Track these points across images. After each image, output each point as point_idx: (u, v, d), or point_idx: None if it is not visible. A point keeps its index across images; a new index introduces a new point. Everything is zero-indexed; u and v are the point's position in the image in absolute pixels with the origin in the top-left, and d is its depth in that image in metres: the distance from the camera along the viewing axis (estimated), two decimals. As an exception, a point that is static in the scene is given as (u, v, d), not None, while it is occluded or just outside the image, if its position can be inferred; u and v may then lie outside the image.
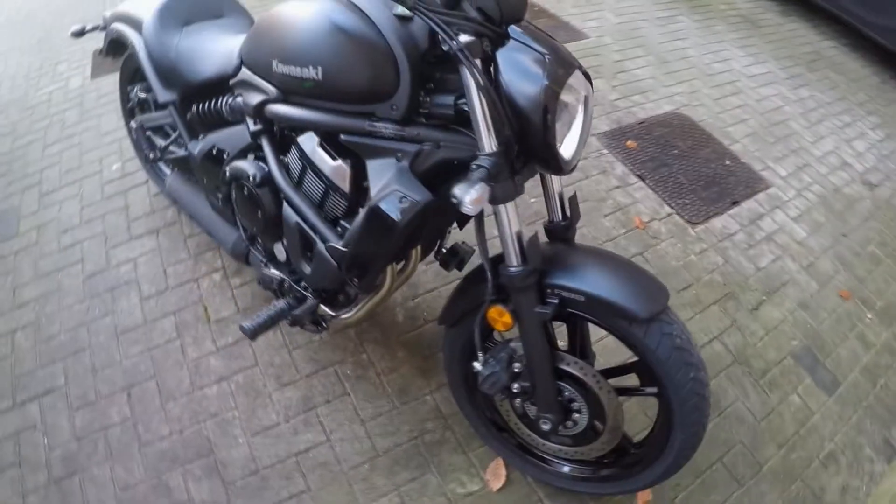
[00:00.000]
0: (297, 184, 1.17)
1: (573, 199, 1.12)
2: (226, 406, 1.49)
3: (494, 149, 0.87)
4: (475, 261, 1.53)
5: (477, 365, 1.09)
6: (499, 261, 1.02)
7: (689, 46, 3.01)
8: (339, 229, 1.12)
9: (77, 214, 2.02)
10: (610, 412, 1.12)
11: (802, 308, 1.88)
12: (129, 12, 1.60)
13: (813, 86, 2.89)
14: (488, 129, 0.86)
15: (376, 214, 0.99)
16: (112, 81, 2.49)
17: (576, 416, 1.15)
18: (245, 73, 1.21)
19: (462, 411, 1.38)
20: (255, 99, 1.16)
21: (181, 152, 1.57)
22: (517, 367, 1.09)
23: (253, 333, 1.22)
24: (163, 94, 1.49)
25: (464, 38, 0.82)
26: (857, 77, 3.08)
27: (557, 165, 0.92)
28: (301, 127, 1.10)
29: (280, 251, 1.32)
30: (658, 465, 1.14)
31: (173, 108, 1.51)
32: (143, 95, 1.77)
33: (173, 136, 1.59)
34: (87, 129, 2.36)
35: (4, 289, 1.83)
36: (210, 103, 1.39)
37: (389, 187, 0.97)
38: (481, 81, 0.83)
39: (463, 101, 0.90)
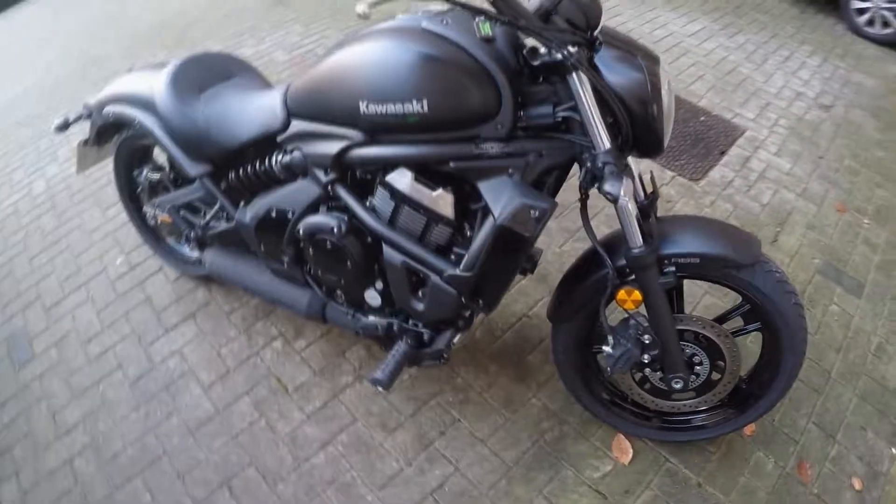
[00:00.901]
0: (391, 223, 1.16)
1: (652, 177, 1.20)
2: (340, 469, 1.44)
3: (609, 146, 0.93)
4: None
5: (607, 348, 1.14)
6: (611, 246, 1.08)
7: (627, 20, 3.21)
8: (453, 257, 1.13)
9: (95, 320, 1.88)
10: (728, 356, 1.21)
11: (811, 230, 2.06)
12: (126, 93, 1.51)
13: (746, 30, 3.17)
14: (602, 129, 0.93)
15: (508, 231, 1.01)
16: (82, 176, 2.33)
17: (697, 368, 1.23)
18: (301, 125, 1.19)
19: (578, 401, 1.42)
20: (330, 148, 1.13)
21: (224, 225, 1.50)
22: (647, 338, 1.15)
23: (388, 383, 1.19)
24: (193, 168, 1.42)
25: (572, 49, 0.88)
26: (780, 13, 3.41)
27: (659, 148, 1.00)
28: (394, 165, 1.10)
29: (373, 297, 1.29)
30: (772, 393, 1.25)
31: (207, 180, 1.43)
32: (155, 177, 1.67)
33: (213, 210, 1.51)
34: (70, 231, 2.18)
35: (42, 417, 1.66)
36: (253, 166, 1.33)
37: (514, 202, 1.00)
38: (597, 86, 0.91)
39: (561, 108, 0.96)
